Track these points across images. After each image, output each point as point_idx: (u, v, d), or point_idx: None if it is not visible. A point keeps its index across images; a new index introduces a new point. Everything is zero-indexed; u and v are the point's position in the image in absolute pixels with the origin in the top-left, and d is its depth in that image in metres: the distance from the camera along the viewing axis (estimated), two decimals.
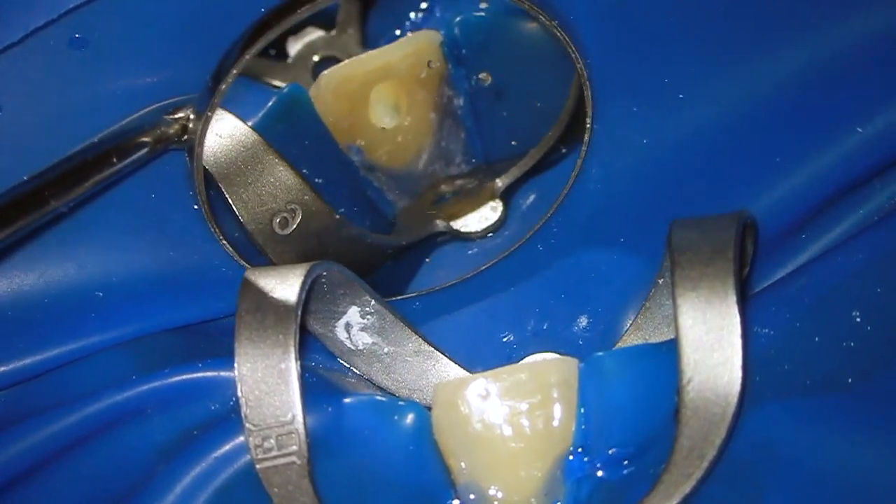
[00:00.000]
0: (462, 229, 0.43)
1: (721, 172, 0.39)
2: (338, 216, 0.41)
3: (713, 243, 0.33)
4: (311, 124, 0.41)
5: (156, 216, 0.39)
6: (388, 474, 0.35)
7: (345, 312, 0.39)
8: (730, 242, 0.33)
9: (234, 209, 0.39)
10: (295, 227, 0.40)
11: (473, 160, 0.43)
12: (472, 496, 0.35)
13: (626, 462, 0.34)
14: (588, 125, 0.39)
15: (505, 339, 0.41)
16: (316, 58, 0.45)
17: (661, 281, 0.37)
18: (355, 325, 0.39)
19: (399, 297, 0.41)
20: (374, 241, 0.42)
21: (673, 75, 0.38)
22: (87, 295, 0.38)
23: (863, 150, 0.37)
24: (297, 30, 0.45)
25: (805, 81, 0.37)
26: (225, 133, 0.38)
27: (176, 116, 0.36)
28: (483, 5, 0.42)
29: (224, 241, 0.38)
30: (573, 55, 0.37)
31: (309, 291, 0.35)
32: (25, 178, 0.34)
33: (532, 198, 0.44)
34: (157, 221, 0.39)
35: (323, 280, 0.37)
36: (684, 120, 0.38)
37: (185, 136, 0.37)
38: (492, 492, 0.34)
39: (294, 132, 0.40)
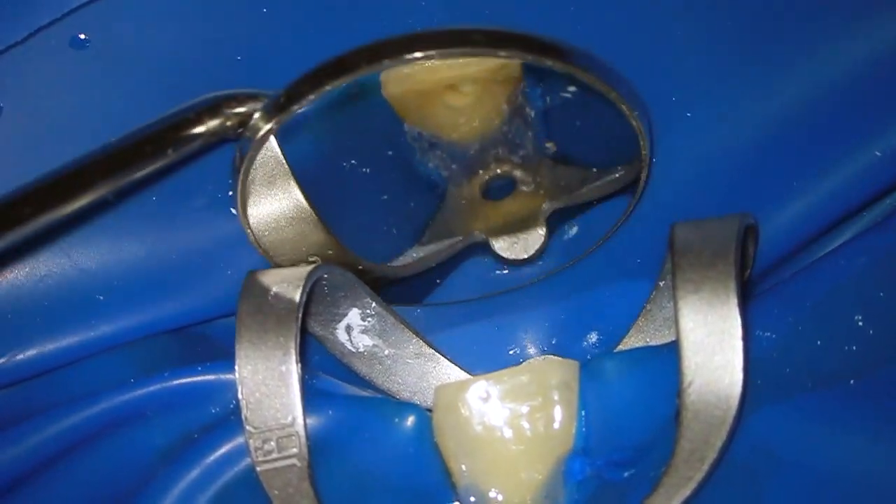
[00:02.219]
0: (500, 252, 0.42)
1: (735, 192, 0.39)
2: (361, 267, 0.40)
3: (714, 246, 0.33)
4: (377, 109, 0.40)
5: (157, 219, 0.38)
6: (389, 477, 0.35)
7: (345, 314, 0.39)
8: (731, 245, 0.33)
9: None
10: None
11: (535, 156, 0.41)
12: (472, 499, 0.35)
13: (626, 465, 0.34)
14: (645, 159, 0.38)
15: (511, 352, 0.40)
16: None
17: (662, 283, 0.37)
18: (356, 328, 0.39)
19: (406, 305, 0.41)
20: (399, 273, 0.42)
21: (683, 94, 0.38)
22: (88, 298, 0.38)
23: (879, 167, 0.37)
24: None
25: (820, 100, 0.37)
26: (267, 168, 0.37)
27: (237, 110, 0.35)
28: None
29: (257, 243, 0.38)
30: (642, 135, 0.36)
31: (310, 293, 0.35)
32: (72, 159, 0.32)
33: (574, 230, 0.43)
34: (158, 224, 0.39)
35: (324, 282, 0.37)
36: (697, 139, 0.38)
37: (241, 130, 0.35)
38: (492, 494, 0.34)
39: (360, 115, 0.39)
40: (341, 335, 0.39)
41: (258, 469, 0.32)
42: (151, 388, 0.35)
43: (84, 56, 0.36)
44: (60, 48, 0.36)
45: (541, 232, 0.42)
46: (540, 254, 0.42)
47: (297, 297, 0.34)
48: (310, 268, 0.35)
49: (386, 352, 0.39)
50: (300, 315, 0.33)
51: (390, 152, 0.41)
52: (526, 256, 0.42)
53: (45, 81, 0.36)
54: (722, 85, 0.38)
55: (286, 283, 0.34)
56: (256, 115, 0.35)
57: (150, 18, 0.36)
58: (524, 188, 0.42)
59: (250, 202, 0.37)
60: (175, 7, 0.36)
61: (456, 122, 0.41)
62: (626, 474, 0.34)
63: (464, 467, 0.35)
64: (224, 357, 0.34)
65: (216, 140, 0.35)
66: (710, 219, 0.34)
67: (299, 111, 0.34)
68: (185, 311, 0.39)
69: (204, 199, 0.38)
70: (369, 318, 0.39)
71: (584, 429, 0.35)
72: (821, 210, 0.37)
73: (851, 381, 0.32)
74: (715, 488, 0.31)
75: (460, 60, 0.38)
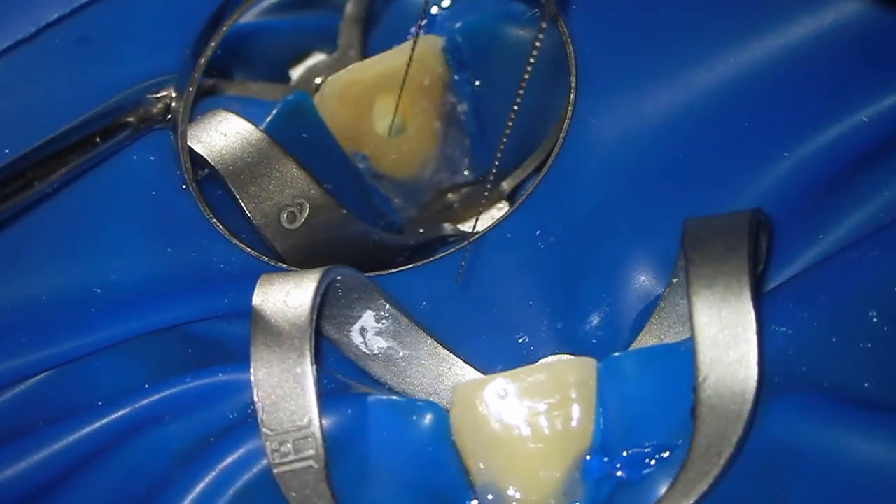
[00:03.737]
0: (469, 230, 0.43)
1: (721, 157, 0.39)
2: (346, 211, 0.41)
3: (727, 241, 0.33)
4: (316, 131, 0.41)
5: (153, 213, 0.39)
6: (407, 476, 0.34)
7: (360, 317, 0.39)
8: (744, 239, 0.33)
9: (242, 204, 0.39)
10: (303, 221, 0.40)
11: (479, 167, 0.42)
12: (490, 497, 0.35)
13: (644, 462, 0.34)
14: (569, 111, 0.39)
15: (520, 341, 0.40)
16: (318, 80, 0.45)
17: (675, 280, 0.37)
18: (370, 330, 0.39)
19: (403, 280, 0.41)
20: (383, 239, 0.43)
21: (661, 59, 0.38)
22: (86, 292, 0.38)
23: (864, 129, 0.37)
24: (299, 57, 0.45)
25: (802, 59, 0.37)
26: (231, 131, 0.38)
27: (159, 95, 0.37)
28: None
29: (215, 220, 0.38)
30: (567, 44, 0.37)
31: (324, 296, 0.35)
32: (7, 160, 0.34)
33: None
34: (154, 218, 0.39)
35: (338, 284, 0.37)
36: (677, 106, 0.38)
37: (169, 115, 0.37)
38: (510, 492, 0.34)
39: (299, 139, 0.40)
40: (356, 338, 0.39)
41: (275, 472, 0.32)
42: (167, 393, 0.35)
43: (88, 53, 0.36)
44: (65, 46, 0.36)
45: (503, 206, 0.43)
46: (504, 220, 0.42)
47: (310, 299, 0.34)
48: (323, 270, 0.35)
49: (401, 353, 0.39)
50: (314, 317, 0.33)
51: (344, 180, 0.42)
52: (488, 225, 0.42)
53: (50, 77, 0.37)
54: (698, 48, 0.38)
55: (300, 285, 0.34)
56: (174, 94, 0.36)
57: (150, 17, 0.36)
58: (477, 193, 0.43)
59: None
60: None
61: (395, 157, 0.41)
62: (644, 471, 0.34)
63: (482, 465, 0.35)
64: (239, 360, 0.34)
65: (146, 126, 0.37)
66: (721, 214, 0.34)
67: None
68: (186, 305, 0.39)
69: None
70: (384, 321, 0.39)
71: (601, 426, 0.34)
72: (809, 168, 0.37)
73: (866, 384, 0.32)
74: (733, 484, 0.31)
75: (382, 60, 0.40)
